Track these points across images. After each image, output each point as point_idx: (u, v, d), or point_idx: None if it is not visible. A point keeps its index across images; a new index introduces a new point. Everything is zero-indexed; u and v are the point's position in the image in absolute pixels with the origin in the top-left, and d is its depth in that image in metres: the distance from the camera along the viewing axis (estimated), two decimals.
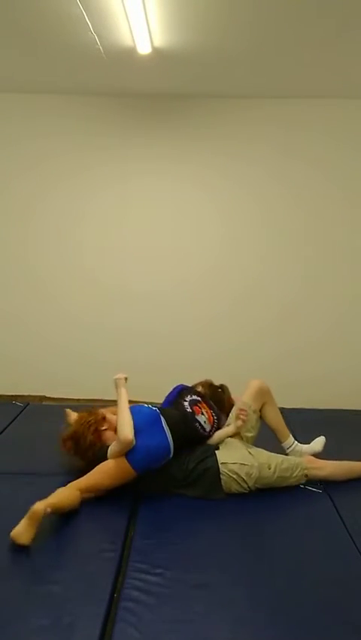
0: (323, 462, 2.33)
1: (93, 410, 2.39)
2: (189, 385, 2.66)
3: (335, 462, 2.35)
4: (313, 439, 2.57)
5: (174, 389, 2.58)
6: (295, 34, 2.74)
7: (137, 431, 2.17)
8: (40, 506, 1.82)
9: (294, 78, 3.38)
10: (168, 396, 2.57)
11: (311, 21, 2.59)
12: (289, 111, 3.79)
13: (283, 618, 1.53)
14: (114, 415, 2.31)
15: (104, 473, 2.12)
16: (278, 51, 2.96)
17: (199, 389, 2.68)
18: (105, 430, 2.28)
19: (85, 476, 2.12)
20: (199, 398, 2.51)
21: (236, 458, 2.25)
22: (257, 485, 2.22)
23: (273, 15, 2.54)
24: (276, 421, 2.54)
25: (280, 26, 2.65)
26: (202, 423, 2.37)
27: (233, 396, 2.70)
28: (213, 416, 2.48)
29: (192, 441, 2.34)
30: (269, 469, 2.22)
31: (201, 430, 2.37)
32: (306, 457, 2.36)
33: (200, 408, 2.43)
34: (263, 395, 2.52)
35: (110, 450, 2.17)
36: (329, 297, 4.00)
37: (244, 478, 2.19)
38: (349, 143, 3.82)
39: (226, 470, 2.20)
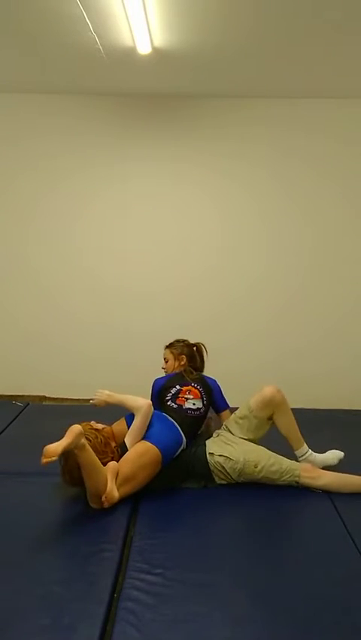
0: (321, 472, 2.28)
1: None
2: (163, 377, 2.70)
3: (333, 473, 2.29)
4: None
5: (153, 390, 2.62)
6: (295, 34, 2.74)
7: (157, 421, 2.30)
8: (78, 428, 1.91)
9: (294, 78, 3.38)
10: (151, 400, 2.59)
11: (311, 21, 2.59)
12: (289, 111, 3.79)
13: (283, 618, 1.53)
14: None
15: (130, 462, 2.12)
16: (278, 51, 2.96)
17: (177, 365, 2.72)
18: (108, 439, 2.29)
19: (120, 466, 2.12)
20: (179, 387, 2.54)
21: (223, 451, 2.28)
22: (242, 479, 2.25)
23: (273, 15, 2.54)
24: (287, 429, 2.43)
25: (280, 26, 2.65)
26: (192, 407, 2.46)
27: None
28: (197, 388, 2.54)
29: (195, 425, 2.45)
30: (255, 467, 2.23)
31: (196, 412, 2.46)
32: (303, 465, 2.31)
33: (182, 396, 2.49)
34: (273, 405, 2.40)
35: (131, 430, 2.21)
36: (329, 296, 4.00)
37: (228, 471, 2.24)
38: (349, 143, 3.82)
39: (212, 461, 2.25)
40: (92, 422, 2.31)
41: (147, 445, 2.17)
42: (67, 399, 4.05)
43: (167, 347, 2.84)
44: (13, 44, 2.97)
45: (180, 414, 2.41)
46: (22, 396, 4.00)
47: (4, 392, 4.07)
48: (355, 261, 3.96)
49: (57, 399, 4.08)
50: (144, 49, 2.91)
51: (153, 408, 2.28)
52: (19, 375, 4.14)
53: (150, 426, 2.26)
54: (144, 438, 2.21)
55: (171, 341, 2.85)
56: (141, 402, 2.25)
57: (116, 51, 2.99)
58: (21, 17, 2.63)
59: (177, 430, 2.32)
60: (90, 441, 2.13)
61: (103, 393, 2.36)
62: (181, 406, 2.46)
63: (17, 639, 1.42)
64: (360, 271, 3.97)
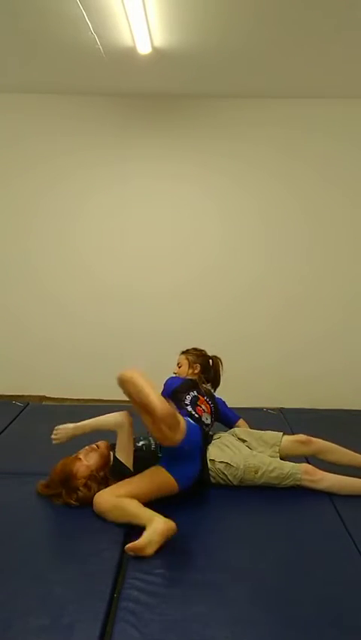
0: (322, 474, 2.26)
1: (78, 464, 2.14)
2: (178, 377, 2.61)
3: (335, 476, 2.28)
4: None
5: (166, 388, 2.49)
6: (296, 33, 2.74)
7: (188, 454, 2.13)
8: (170, 524, 1.79)
9: (294, 78, 3.38)
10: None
11: (311, 20, 2.59)
12: (289, 111, 3.79)
13: (283, 618, 1.53)
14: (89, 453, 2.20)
15: (144, 487, 2.01)
16: (278, 51, 2.96)
17: (190, 373, 2.63)
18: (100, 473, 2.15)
19: (127, 482, 2.01)
20: (195, 393, 2.47)
21: (224, 457, 2.27)
22: (242, 484, 2.25)
23: (273, 15, 2.54)
24: (346, 461, 2.39)
25: (280, 26, 2.65)
26: (205, 421, 2.40)
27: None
28: (208, 403, 2.50)
29: (204, 442, 2.36)
30: (256, 473, 2.23)
31: (206, 429, 2.40)
32: (305, 468, 2.28)
33: (200, 406, 2.43)
34: (308, 454, 2.41)
35: (121, 447, 2.12)
36: (329, 296, 4.00)
37: (229, 477, 2.25)
38: (349, 143, 3.82)
39: (213, 467, 2.25)
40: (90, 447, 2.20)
41: (166, 477, 2.06)
42: (67, 399, 4.05)
43: (183, 352, 2.75)
44: (13, 44, 2.97)
45: (201, 427, 2.32)
46: (22, 396, 4.00)
47: (4, 392, 4.07)
48: (356, 260, 3.96)
49: (57, 399, 4.08)
50: (144, 49, 2.91)
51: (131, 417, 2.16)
52: (19, 375, 4.14)
53: (186, 462, 2.12)
54: (176, 474, 2.08)
55: (188, 348, 2.77)
56: (119, 417, 2.14)
57: (116, 51, 2.99)
58: (21, 17, 2.63)
59: (199, 468, 2.19)
60: (78, 495, 2.04)
61: (67, 428, 2.22)
62: (200, 417, 2.37)
63: (17, 639, 1.42)
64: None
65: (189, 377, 2.64)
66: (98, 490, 2.05)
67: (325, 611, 1.56)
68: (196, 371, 2.66)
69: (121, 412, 2.18)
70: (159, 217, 3.95)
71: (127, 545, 1.76)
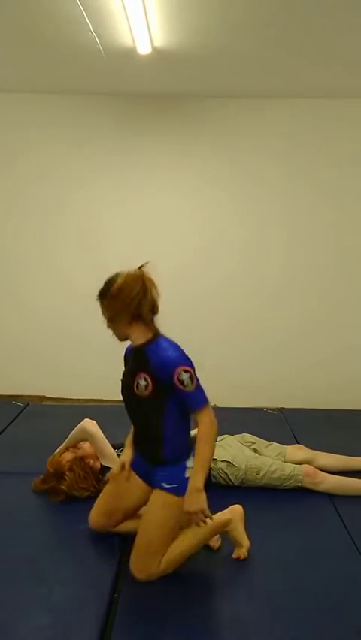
0: (324, 476, 2.27)
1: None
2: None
3: (336, 477, 2.28)
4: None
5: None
6: (297, 33, 2.73)
7: None
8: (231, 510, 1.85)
9: (295, 78, 3.38)
10: None
11: (313, 20, 2.58)
12: (290, 111, 3.78)
13: (284, 618, 1.53)
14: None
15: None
16: (279, 51, 2.95)
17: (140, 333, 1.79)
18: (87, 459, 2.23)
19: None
20: None
21: (226, 456, 2.28)
22: (243, 485, 2.25)
23: (274, 15, 2.53)
24: (341, 465, 2.39)
25: (281, 26, 2.65)
26: None
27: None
28: None
29: None
30: (257, 474, 2.24)
31: None
32: (306, 469, 2.28)
33: None
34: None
35: (101, 453, 2.21)
36: (330, 296, 3.99)
37: (230, 477, 2.25)
38: (351, 142, 3.81)
39: (214, 466, 2.25)
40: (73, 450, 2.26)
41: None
42: (67, 399, 4.05)
43: (100, 297, 1.73)
44: (13, 44, 2.96)
45: None
46: (22, 396, 4.00)
47: (4, 392, 4.06)
48: None
49: (57, 399, 4.08)
50: (144, 49, 2.90)
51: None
52: (19, 375, 4.13)
53: None
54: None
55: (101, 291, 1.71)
56: (81, 426, 2.26)
57: (116, 51, 2.99)
58: (21, 17, 2.63)
59: None
60: (66, 480, 2.10)
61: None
62: None
63: (17, 639, 1.42)
64: None
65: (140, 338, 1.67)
66: (83, 476, 2.12)
67: (325, 611, 1.56)
68: (152, 329, 1.68)
69: (83, 421, 2.27)
70: (160, 218, 3.94)
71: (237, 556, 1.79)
